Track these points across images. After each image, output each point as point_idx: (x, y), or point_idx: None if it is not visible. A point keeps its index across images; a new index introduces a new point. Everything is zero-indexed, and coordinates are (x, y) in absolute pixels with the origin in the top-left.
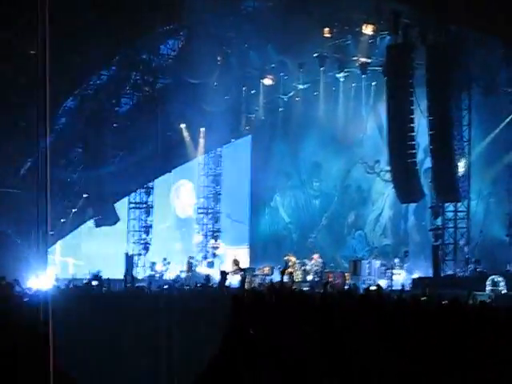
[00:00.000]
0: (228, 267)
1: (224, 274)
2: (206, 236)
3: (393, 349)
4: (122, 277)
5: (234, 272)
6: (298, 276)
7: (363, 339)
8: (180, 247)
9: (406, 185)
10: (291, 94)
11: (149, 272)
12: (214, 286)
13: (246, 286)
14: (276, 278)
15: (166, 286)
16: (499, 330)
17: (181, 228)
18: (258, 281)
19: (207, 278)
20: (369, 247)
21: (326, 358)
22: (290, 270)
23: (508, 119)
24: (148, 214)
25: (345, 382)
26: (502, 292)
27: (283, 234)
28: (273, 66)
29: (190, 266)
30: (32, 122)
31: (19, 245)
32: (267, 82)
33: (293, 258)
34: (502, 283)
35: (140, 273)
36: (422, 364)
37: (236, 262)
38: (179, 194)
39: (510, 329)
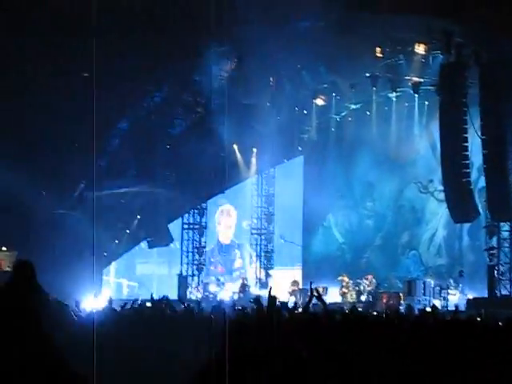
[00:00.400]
0: (281, 288)
1: (273, 299)
2: (259, 256)
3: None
4: (175, 298)
5: (293, 293)
6: (351, 296)
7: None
8: (223, 270)
9: (460, 204)
10: (343, 114)
11: (202, 293)
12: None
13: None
14: (329, 298)
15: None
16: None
17: (222, 253)
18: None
19: (257, 298)
20: (423, 267)
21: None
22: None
23: None
24: (201, 234)
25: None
26: None
27: (337, 254)
28: (325, 86)
29: (244, 287)
30: (85, 146)
31: (75, 266)
32: (319, 102)
33: (346, 279)
34: None
35: (193, 294)
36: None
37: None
38: (220, 219)
39: None
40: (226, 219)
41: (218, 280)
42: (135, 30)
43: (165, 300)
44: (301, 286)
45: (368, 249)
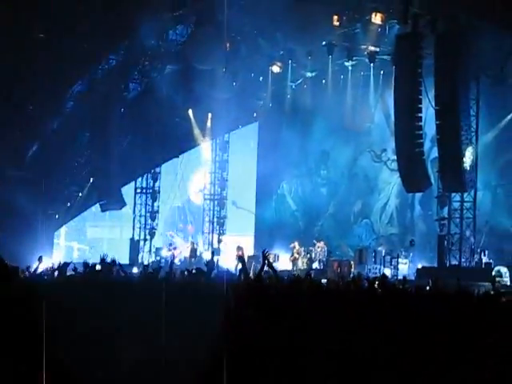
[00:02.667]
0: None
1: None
2: (212, 222)
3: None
4: (127, 262)
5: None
6: (303, 263)
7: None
8: (192, 230)
9: (412, 174)
10: (299, 81)
11: (154, 257)
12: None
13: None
14: (281, 265)
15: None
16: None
17: (193, 212)
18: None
19: (208, 263)
20: (375, 236)
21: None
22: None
23: None
24: (154, 199)
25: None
26: (507, 283)
27: (290, 222)
28: (281, 53)
29: (194, 252)
30: (39, 107)
31: (27, 228)
32: (275, 69)
33: (297, 246)
34: (507, 274)
35: (146, 258)
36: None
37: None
38: (195, 178)
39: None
40: (200, 179)
41: (170, 245)
42: None
43: (113, 262)
44: (245, 252)
45: (321, 217)
